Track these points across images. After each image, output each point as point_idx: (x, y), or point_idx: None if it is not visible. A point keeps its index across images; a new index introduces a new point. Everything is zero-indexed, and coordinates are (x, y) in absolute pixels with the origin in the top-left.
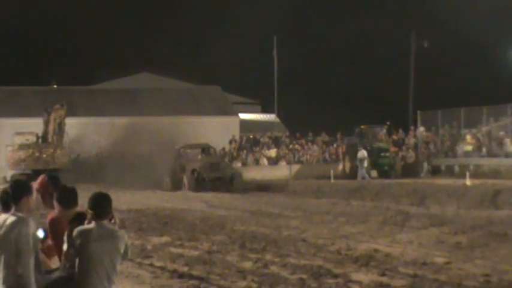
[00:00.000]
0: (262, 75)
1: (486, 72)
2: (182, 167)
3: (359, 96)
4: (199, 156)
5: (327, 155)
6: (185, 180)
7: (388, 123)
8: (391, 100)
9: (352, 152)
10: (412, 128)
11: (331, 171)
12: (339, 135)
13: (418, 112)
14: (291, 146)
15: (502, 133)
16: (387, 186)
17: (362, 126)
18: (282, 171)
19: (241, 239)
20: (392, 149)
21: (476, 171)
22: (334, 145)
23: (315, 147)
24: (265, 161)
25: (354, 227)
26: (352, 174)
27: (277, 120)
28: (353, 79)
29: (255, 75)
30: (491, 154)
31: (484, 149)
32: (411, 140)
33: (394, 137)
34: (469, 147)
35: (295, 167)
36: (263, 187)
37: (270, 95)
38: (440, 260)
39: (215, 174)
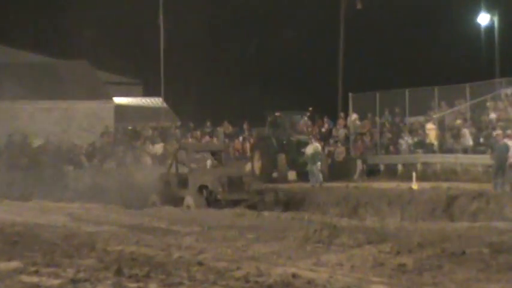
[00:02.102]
0: (144, 48)
1: (436, 45)
2: (183, 181)
3: (272, 75)
4: (209, 164)
5: (230, 151)
6: (188, 201)
7: (310, 109)
8: (314, 79)
9: (263, 146)
10: (341, 115)
11: None
12: (246, 126)
13: (350, 95)
14: (183, 140)
15: (459, 121)
16: (310, 191)
17: (276, 114)
18: None
19: (117, 263)
20: (319, 143)
21: (425, 172)
22: (240, 138)
23: (214, 140)
24: (148, 160)
25: (266, 246)
26: (264, 175)
27: (165, 105)
28: (264, 53)
29: (134, 49)
30: (444, 149)
31: (435, 143)
32: (341, 131)
33: (319, 127)
34: (434, 140)
35: None
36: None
37: (154, 73)
38: (378, 287)
39: (237, 196)
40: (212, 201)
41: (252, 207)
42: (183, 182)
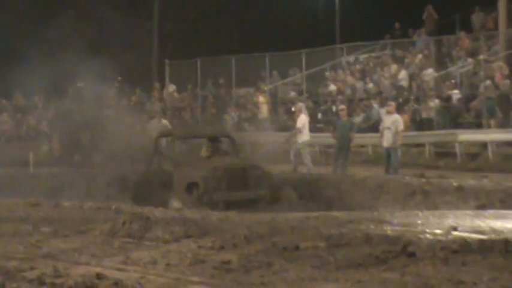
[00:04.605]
0: None
1: (266, 5)
2: (168, 179)
3: (72, 37)
4: (204, 153)
5: (23, 129)
6: (174, 205)
7: (119, 78)
8: (123, 42)
9: (63, 123)
10: (156, 86)
11: (31, 155)
12: (38, 99)
13: (166, 62)
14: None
15: (293, 94)
16: (117, 175)
17: (79, 84)
18: None
19: None
20: (129, 119)
21: (254, 153)
22: (35, 113)
23: (4, 116)
24: None
25: (65, 241)
26: (65, 157)
27: None
28: (56, 11)
29: None
30: (277, 127)
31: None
32: (156, 106)
33: (130, 100)
34: (265, 113)
35: None
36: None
37: None
38: None
39: (239, 195)
40: (206, 204)
41: (263, 207)
42: (166, 181)
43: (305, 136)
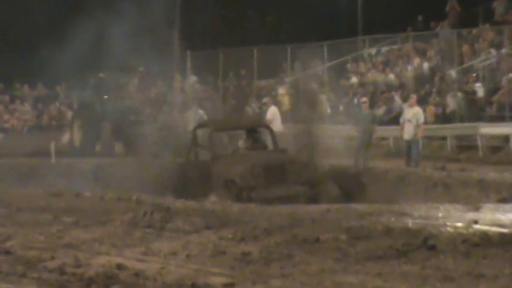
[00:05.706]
0: None
1: None
2: (205, 173)
3: (92, 28)
4: (242, 147)
5: (45, 119)
6: (212, 199)
7: (140, 69)
8: (144, 32)
9: (84, 114)
10: (178, 77)
11: (52, 145)
12: (60, 88)
13: (188, 53)
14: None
15: (314, 85)
16: (135, 167)
17: (100, 75)
18: None
19: None
20: (151, 110)
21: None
22: (57, 103)
23: (26, 106)
24: None
25: (86, 232)
26: (86, 148)
27: None
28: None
29: None
30: (299, 118)
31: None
32: (177, 97)
33: (152, 91)
34: (287, 104)
35: None
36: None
37: None
38: (218, 280)
39: (278, 192)
40: (244, 201)
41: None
42: (204, 175)
43: (276, 127)
